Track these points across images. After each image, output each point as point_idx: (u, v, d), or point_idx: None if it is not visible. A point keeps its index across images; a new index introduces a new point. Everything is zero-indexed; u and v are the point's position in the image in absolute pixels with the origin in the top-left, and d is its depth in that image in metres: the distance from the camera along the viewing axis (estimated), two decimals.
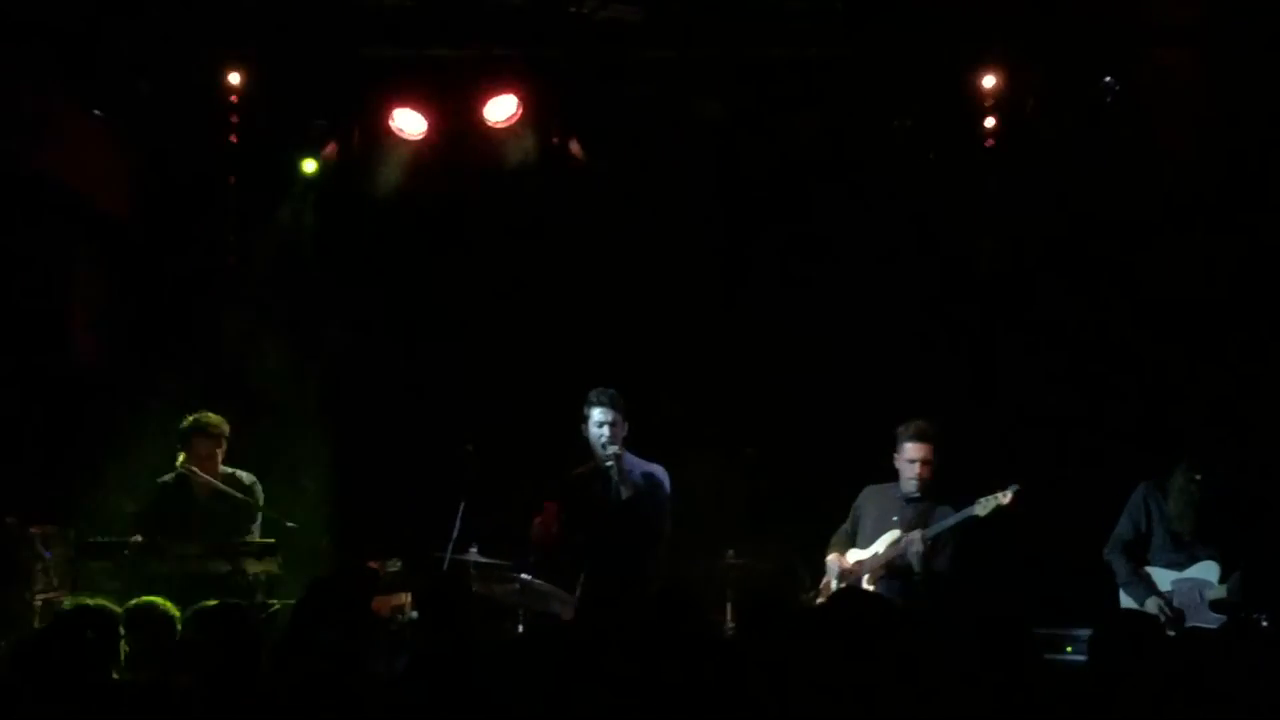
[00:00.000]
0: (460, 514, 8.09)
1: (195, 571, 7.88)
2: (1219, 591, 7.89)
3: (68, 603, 5.55)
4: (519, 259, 9.93)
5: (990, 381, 9.56)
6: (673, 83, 9.18)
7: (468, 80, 9.26)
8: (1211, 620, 7.67)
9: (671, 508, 8.31)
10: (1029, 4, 8.77)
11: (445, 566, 8.01)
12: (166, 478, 8.40)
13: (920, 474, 8.22)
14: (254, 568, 8.06)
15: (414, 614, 7.64)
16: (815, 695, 4.70)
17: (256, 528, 8.38)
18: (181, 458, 8.35)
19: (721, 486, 9.41)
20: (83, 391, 9.27)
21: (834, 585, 8.32)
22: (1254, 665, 4.94)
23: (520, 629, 8.08)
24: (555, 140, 9.47)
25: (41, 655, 5.16)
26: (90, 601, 5.52)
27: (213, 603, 5.74)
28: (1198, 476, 8.02)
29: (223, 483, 8.35)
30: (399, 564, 8.32)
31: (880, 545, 8.27)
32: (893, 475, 8.40)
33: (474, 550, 8.11)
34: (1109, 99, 8.82)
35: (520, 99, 9.31)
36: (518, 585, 8.06)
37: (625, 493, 8.15)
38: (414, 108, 9.37)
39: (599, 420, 8.22)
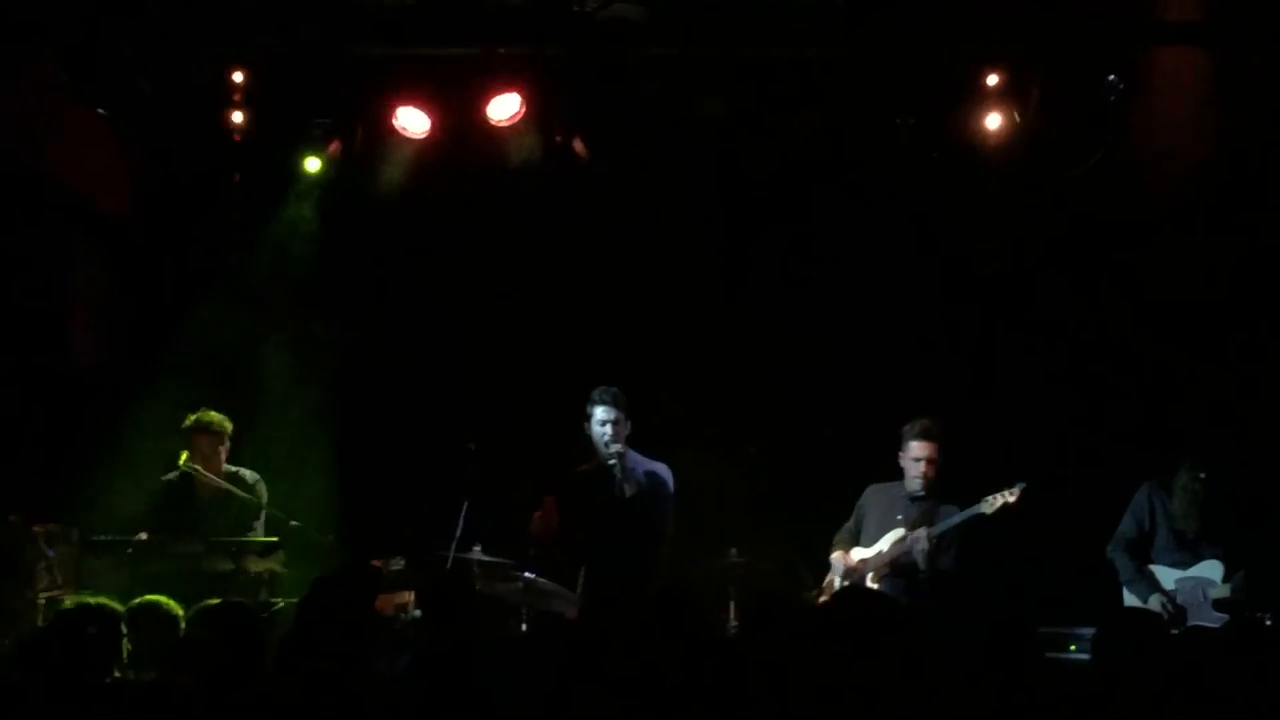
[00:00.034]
0: (463, 512, 8.09)
1: (198, 570, 7.88)
2: (1222, 591, 7.90)
3: (69, 601, 5.54)
4: (521, 257, 9.92)
5: (992, 381, 9.56)
6: (675, 81, 9.16)
7: (471, 79, 9.25)
8: (1214, 619, 7.68)
9: (675, 506, 8.31)
10: (1032, 2, 8.76)
11: (448, 565, 8.01)
12: (170, 476, 8.41)
13: (925, 472, 8.22)
14: (257, 566, 8.07)
15: (417, 613, 7.64)
16: (818, 694, 4.70)
17: (260, 526, 8.38)
18: (184, 456, 8.36)
19: (724, 485, 9.41)
20: (83, 391, 9.27)
21: (838, 583, 8.33)
22: (1257, 665, 4.94)
23: (524, 628, 8.08)
24: (558, 139, 9.45)
25: (43, 654, 5.16)
26: (92, 600, 5.52)
27: (216, 601, 5.75)
28: (1202, 475, 8.03)
29: (226, 481, 8.35)
30: (402, 562, 8.31)
31: (885, 543, 8.27)
32: (896, 474, 8.40)
33: (477, 549, 8.11)
34: (1113, 98, 8.81)
35: (523, 98, 9.29)
36: (521, 584, 8.06)
37: (629, 491, 8.14)
38: (417, 107, 9.36)
39: (602, 419, 8.21)
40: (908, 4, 8.85)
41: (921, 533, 8.04)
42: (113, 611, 5.51)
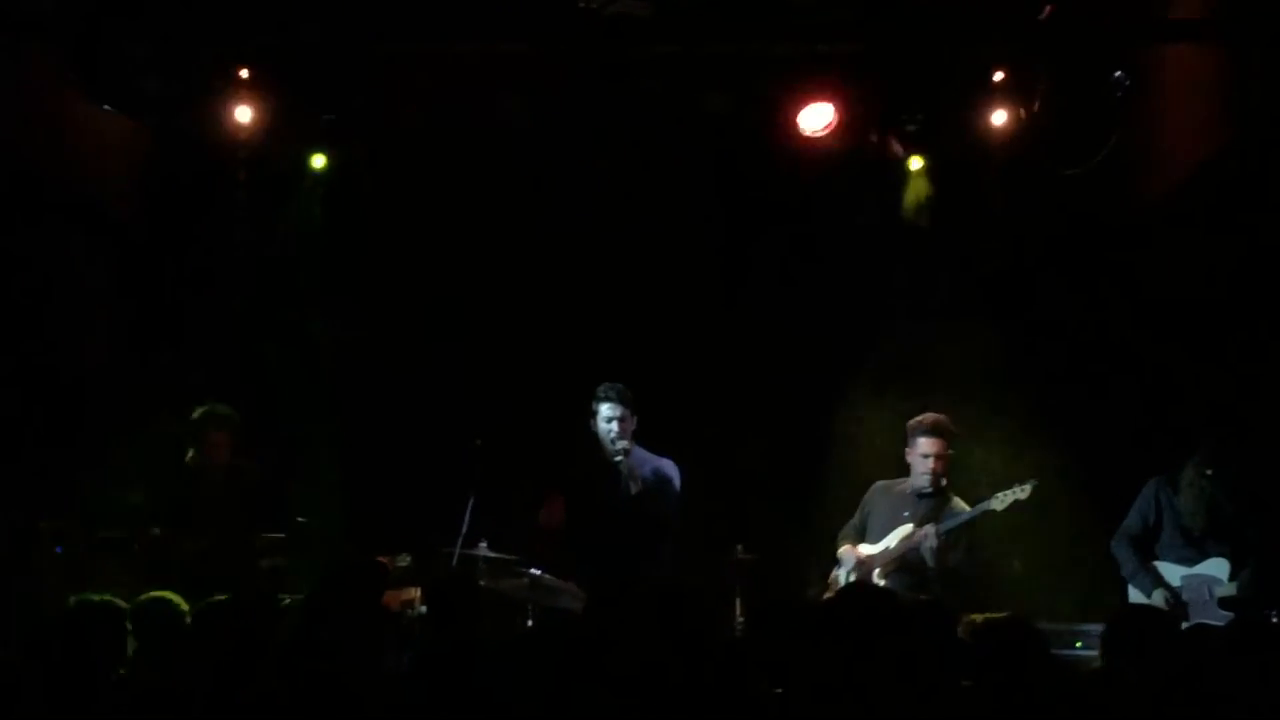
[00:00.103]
0: (469, 509, 8.10)
1: (204, 566, 7.89)
2: (1229, 589, 7.90)
3: (73, 599, 5.55)
4: (526, 254, 9.92)
5: (995, 378, 9.55)
6: (680, 78, 9.16)
7: (476, 76, 9.24)
8: (1220, 617, 7.68)
9: (681, 503, 8.31)
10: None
11: (454, 561, 8.02)
12: (176, 471, 8.41)
13: (934, 469, 8.21)
14: (264, 562, 8.07)
15: (423, 609, 7.65)
16: (822, 694, 4.70)
17: (266, 521, 8.39)
18: (191, 453, 8.37)
19: (730, 481, 9.42)
20: (84, 390, 9.26)
21: (844, 577, 8.32)
22: (1262, 663, 4.94)
23: (529, 624, 8.09)
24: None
25: (47, 652, 5.17)
26: (96, 598, 5.52)
27: (222, 598, 5.75)
28: (1209, 471, 8.02)
29: (232, 475, 8.36)
30: (408, 559, 8.33)
31: (892, 540, 8.26)
32: (901, 471, 8.40)
33: (483, 545, 8.12)
34: (1119, 94, 8.80)
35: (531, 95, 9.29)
36: (527, 580, 8.07)
37: (634, 488, 8.14)
38: (425, 103, 9.36)
39: (608, 415, 8.22)
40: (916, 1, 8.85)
41: (930, 529, 8.03)
42: (117, 609, 5.51)
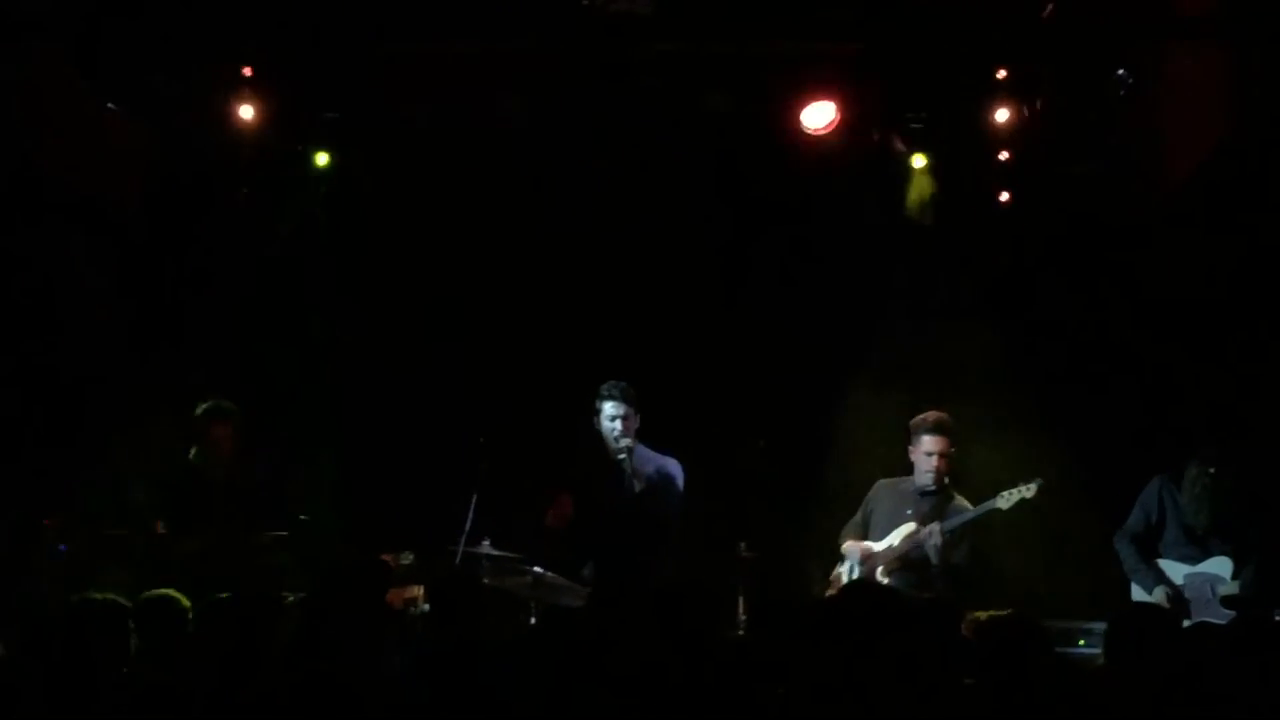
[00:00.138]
0: (473, 507, 8.10)
1: (207, 564, 7.90)
2: (1231, 587, 7.89)
3: (75, 598, 5.54)
4: (528, 253, 9.92)
5: (995, 378, 9.55)
6: (681, 77, 9.16)
7: (479, 75, 9.24)
8: (1222, 616, 7.68)
9: (684, 501, 8.30)
10: None
11: (458, 560, 8.02)
12: (179, 468, 8.42)
13: (937, 466, 8.21)
14: (266, 561, 8.08)
15: (426, 607, 7.65)
16: (827, 690, 4.70)
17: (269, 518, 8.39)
18: (194, 449, 8.37)
19: (733, 479, 9.42)
20: (85, 389, 9.25)
21: (848, 573, 8.31)
22: (1264, 662, 4.94)
23: (533, 622, 8.09)
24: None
25: (49, 650, 5.17)
26: (99, 595, 5.52)
27: (224, 596, 5.76)
28: (1211, 470, 8.02)
29: (235, 471, 8.37)
30: (411, 557, 8.32)
31: (895, 538, 8.26)
32: (903, 468, 8.40)
33: (486, 543, 8.12)
34: (1122, 93, 8.80)
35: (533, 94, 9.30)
36: (530, 578, 8.07)
37: (638, 486, 8.15)
38: (427, 102, 9.36)
39: (611, 414, 8.22)
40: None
41: (935, 527, 8.03)
42: (120, 607, 5.51)
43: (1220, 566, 7.97)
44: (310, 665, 5.12)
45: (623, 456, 8.16)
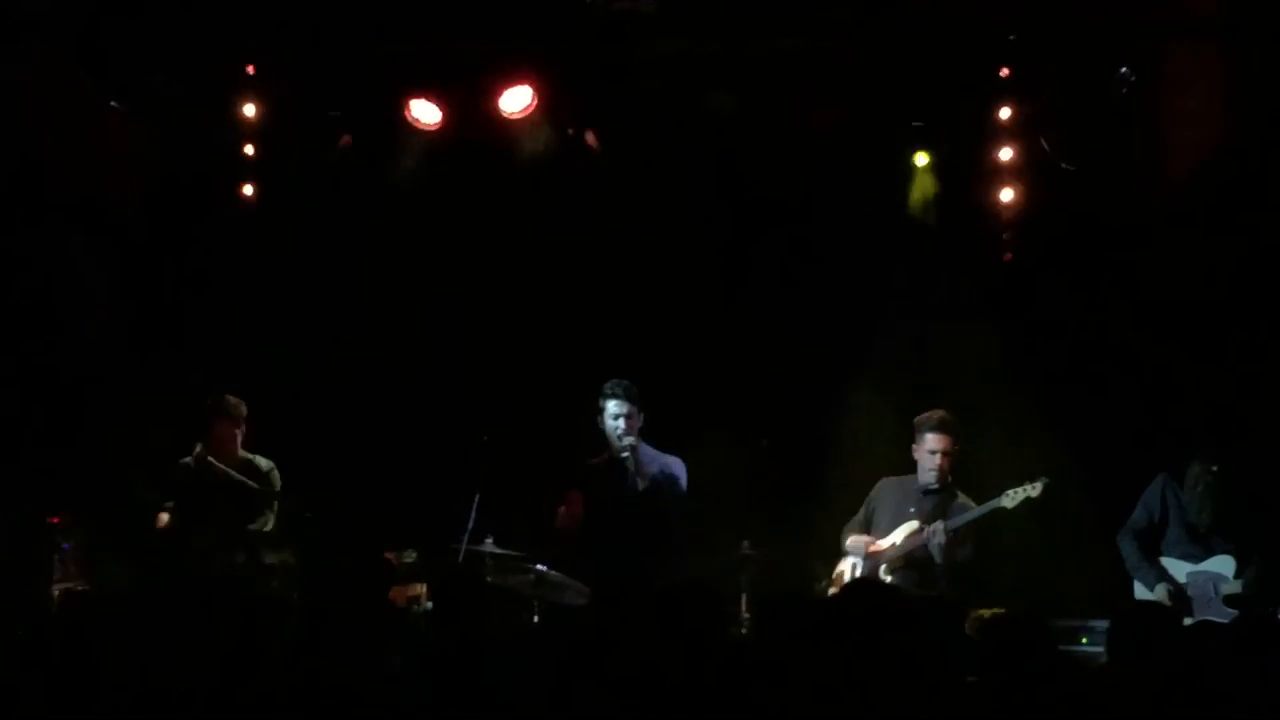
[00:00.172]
0: (475, 505, 8.10)
1: (210, 561, 7.91)
2: (1234, 586, 7.88)
3: (78, 594, 5.55)
4: (532, 251, 9.92)
5: (996, 377, 9.56)
6: (683, 75, 9.16)
7: (483, 71, 9.25)
8: (1224, 615, 7.68)
9: (687, 501, 8.29)
10: None
11: (460, 558, 8.03)
12: (183, 464, 8.42)
13: (941, 465, 8.20)
14: (270, 558, 8.09)
15: (429, 605, 7.66)
16: (831, 688, 4.70)
17: (273, 515, 8.39)
18: (199, 447, 8.38)
19: (736, 477, 9.42)
20: (87, 387, 9.26)
21: (850, 569, 8.31)
22: (1266, 661, 4.94)
23: (536, 620, 8.10)
24: (570, 132, 9.46)
25: (49, 647, 5.17)
26: (101, 592, 5.52)
27: (228, 592, 5.76)
28: (1214, 468, 8.01)
29: (240, 468, 8.37)
30: (414, 555, 8.34)
31: (898, 536, 8.25)
32: (906, 467, 8.40)
33: (489, 541, 8.13)
34: (1125, 90, 8.80)
35: (535, 90, 9.30)
36: (533, 576, 8.08)
37: (641, 484, 8.13)
38: (429, 99, 9.37)
39: (614, 412, 8.21)
40: None
41: (939, 525, 8.02)
42: (123, 603, 5.52)
43: (1223, 565, 7.97)
44: (312, 664, 5.13)
45: (626, 455, 8.15)
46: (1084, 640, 7.65)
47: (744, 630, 7.68)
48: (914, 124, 9.35)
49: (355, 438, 9.80)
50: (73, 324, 9.07)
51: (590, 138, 9.47)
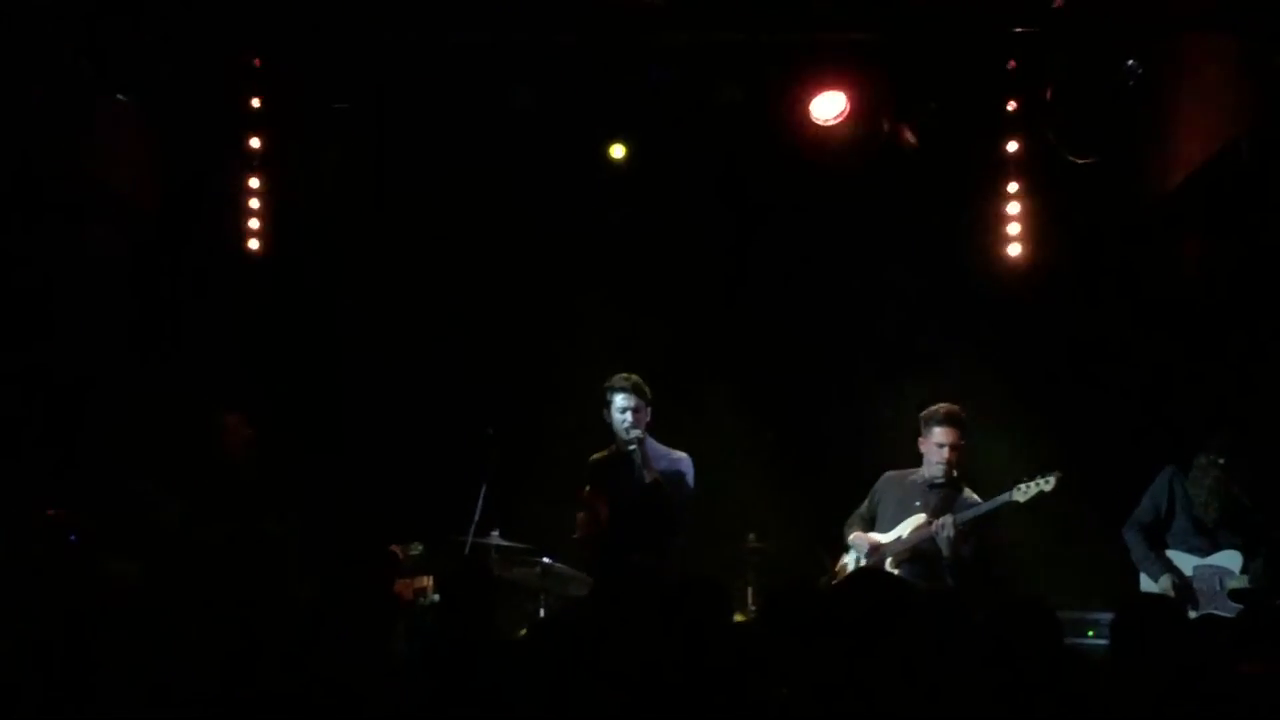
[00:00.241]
0: (482, 497, 8.11)
1: (217, 554, 7.90)
2: (1240, 581, 7.88)
3: (84, 588, 5.57)
4: (538, 243, 9.93)
5: (1006, 370, 9.57)
6: (694, 67, 9.15)
7: (488, 67, 9.24)
8: (1230, 609, 7.70)
9: (693, 497, 8.28)
10: None
11: (467, 550, 8.04)
12: (189, 459, 8.43)
13: (948, 458, 8.18)
14: (277, 551, 8.09)
15: (436, 597, 7.67)
16: (836, 682, 4.71)
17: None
18: (205, 440, 8.39)
19: (742, 470, 9.43)
20: (94, 380, 9.25)
21: (853, 564, 8.32)
22: (1270, 654, 4.95)
23: (541, 612, 8.11)
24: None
25: (56, 641, 5.20)
26: (108, 586, 5.53)
27: (234, 586, 5.77)
28: (1220, 460, 8.01)
29: (246, 463, 8.39)
30: (420, 547, 8.35)
31: (904, 529, 8.24)
32: (911, 460, 8.40)
33: (495, 534, 8.13)
34: (1132, 83, 8.79)
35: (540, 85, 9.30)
36: (539, 569, 8.09)
37: (648, 478, 8.13)
38: (435, 92, 9.36)
39: (622, 406, 8.19)
40: None
41: (948, 519, 8.00)
42: (130, 596, 5.53)
43: (1229, 560, 7.96)
44: (318, 657, 5.14)
45: (633, 448, 8.14)
46: (1090, 633, 7.65)
47: (749, 622, 7.69)
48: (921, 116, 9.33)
49: (361, 430, 9.82)
50: (80, 318, 9.07)
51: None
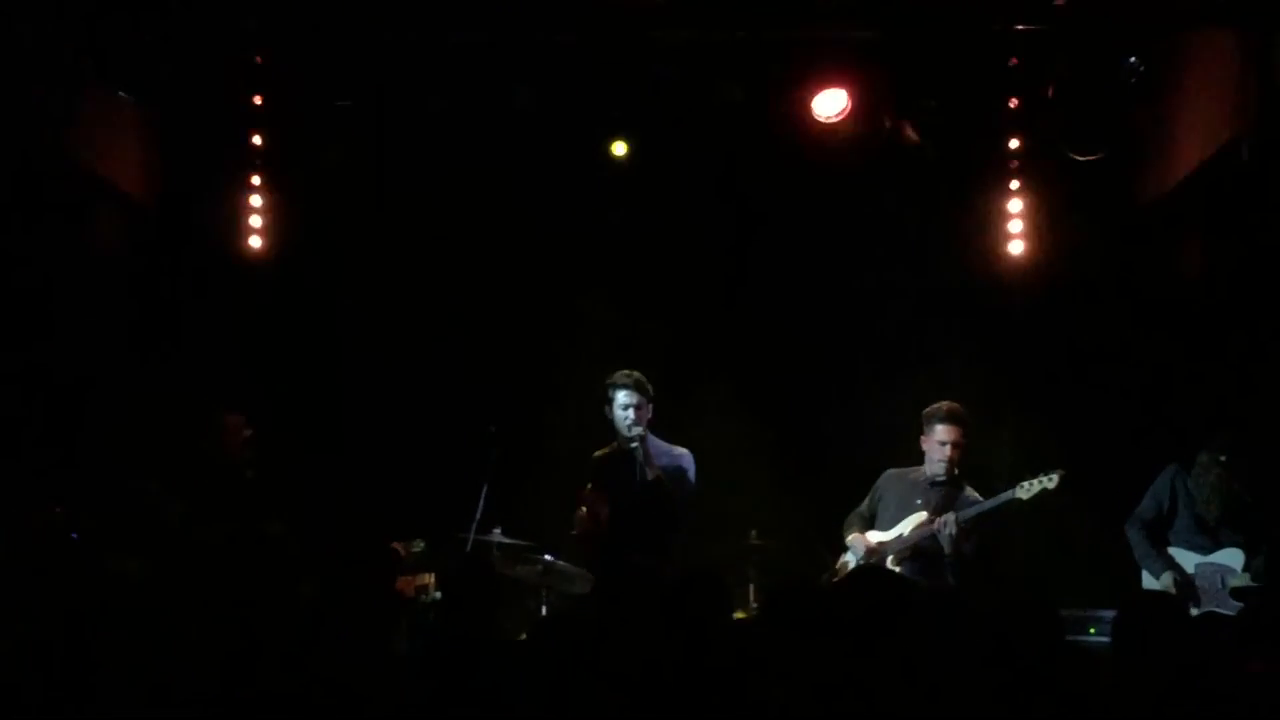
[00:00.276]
0: (483, 495, 8.11)
1: (218, 553, 7.91)
2: (1242, 579, 7.87)
3: (85, 587, 5.57)
4: (540, 240, 9.93)
5: (1006, 369, 9.56)
6: (695, 66, 9.15)
7: (491, 65, 9.24)
8: (1231, 607, 7.69)
9: (695, 494, 8.29)
10: None
11: (468, 547, 8.04)
12: (190, 458, 8.43)
13: (950, 456, 8.18)
14: (278, 549, 8.09)
15: (437, 594, 7.67)
16: (836, 679, 4.71)
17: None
18: (206, 440, 8.39)
19: (744, 467, 9.43)
20: (96, 379, 9.25)
21: (855, 561, 8.32)
22: (1271, 652, 4.94)
23: (543, 610, 8.11)
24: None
25: (58, 639, 5.19)
26: (109, 584, 5.53)
27: (236, 585, 5.77)
28: (1222, 458, 8.00)
29: (246, 462, 8.39)
30: (422, 545, 8.35)
31: (905, 527, 8.24)
32: (911, 458, 8.40)
33: (497, 531, 8.13)
34: (1133, 81, 8.79)
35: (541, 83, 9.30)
36: (540, 566, 8.09)
37: (650, 475, 8.14)
38: (437, 90, 9.37)
39: (624, 402, 8.19)
40: None
41: (950, 517, 7.99)
42: (131, 595, 5.53)
43: (1231, 558, 7.95)
44: (319, 655, 5.14)
45: (635, 445, 8.14)
46: (1092, 630, 7.64)
47: (751, 619, 7.69)
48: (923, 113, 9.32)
49: (363, 427, 9.81)
50: (81, 316, 9.06)
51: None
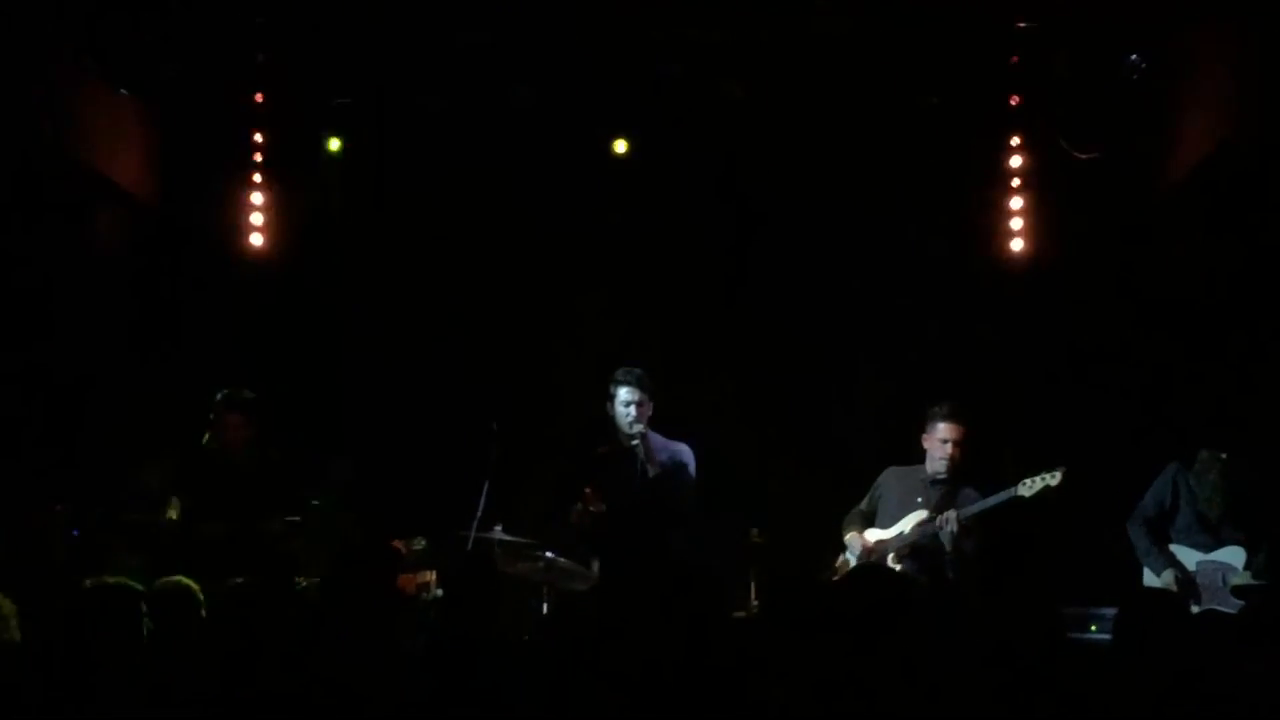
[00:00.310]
0: (485, 492, 8.11)
1: (221, 550, 7.92)
2: (1243, 577, 7.86)
3: (88, 583, 5.55)
4: (542, 237, 9.93)
5: (1007, 366, 9.56)
6: (696, 62, 9.15)
7: (488, 66, 9.25)
8: (1232, 605, 7.68)
9: (695, 489, 8.30)
10: None
11: (470, 545, 8.04)
12: (193, 455, 8.43)
13: (952, 454, 8.18)
14: (280, 546, 8.10)
15: (439, 592, 7.67)
16: (837, 677, 4.71)
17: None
18: (208, 436, 8.39)
19: (745, 465, 9.43)
20: (99, 376, 9.26)
21: (853, 564, 8.33)
22: (1272, 651, 4.94)
23: (545, 608, 8.11)
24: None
25: (61, 636, 5.18)
26: (111, 581, 5.53)
27: (238, 582, 5.78)
28: (1223, 455, 8.00)
29: (249, 459, 8.39)
30: (423, 542, 8.35)
31: (906, 525, 8.25)
32: (912, 456, 8.39)
33: (498, 529, 8.14)
34: (1134, 78, 8.80)
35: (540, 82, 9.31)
36: (542, 563, 8.09)
37: (651, 472, 8.14)
38: (437, 89, 9.37)
39: (625, 400, 8.21)
40: None
41: (951, 514, 8.00)
42: (133, 593, 5.53)
43: (1233, 556, 7.95)
44: (320, 654, 5.14)
45: (636, 443, 8.16)
46: (1093, 627, 7.64)
47: (752, 617, 7.68)
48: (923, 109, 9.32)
49: (364, 425, 9.82)
50: (73, 323, 9.06)
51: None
